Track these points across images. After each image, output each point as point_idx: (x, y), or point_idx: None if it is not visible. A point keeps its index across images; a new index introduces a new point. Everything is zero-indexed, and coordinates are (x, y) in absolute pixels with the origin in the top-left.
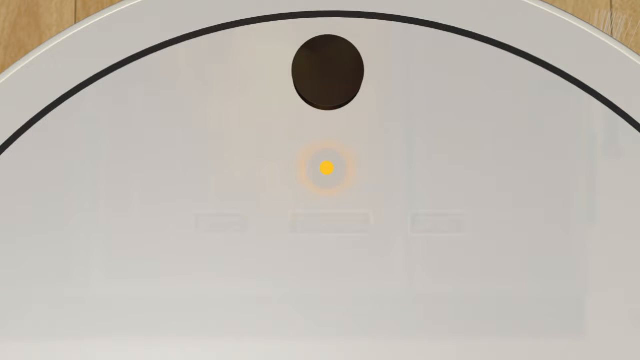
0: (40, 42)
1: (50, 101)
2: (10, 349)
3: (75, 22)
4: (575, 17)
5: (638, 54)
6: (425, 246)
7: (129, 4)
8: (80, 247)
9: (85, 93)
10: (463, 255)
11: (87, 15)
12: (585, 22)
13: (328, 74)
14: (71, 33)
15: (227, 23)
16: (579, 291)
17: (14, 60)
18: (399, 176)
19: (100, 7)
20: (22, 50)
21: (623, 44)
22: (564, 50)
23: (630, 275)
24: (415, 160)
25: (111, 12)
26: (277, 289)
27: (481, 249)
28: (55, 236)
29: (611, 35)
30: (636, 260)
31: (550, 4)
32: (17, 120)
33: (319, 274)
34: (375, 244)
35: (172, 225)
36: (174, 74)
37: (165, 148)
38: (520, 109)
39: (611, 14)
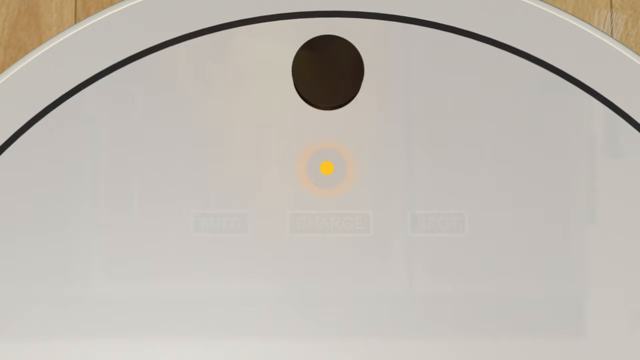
0: (40, 42)
1: (50, 101)
2: (10, 349)
3: (75, 22)
4: (575, 17)
5: (638, 54)
6: (425, 246)
7: (129, 4)
8: (80, 247)
9: (85, 93)
10: (463, 255)
11: (87, 15)
12: (585, 22)
13: (328, 74)
14: (71, 33)
15: (227, 23)
16: (579, 291)
17: (14, 60)
18: (399, 176)
19: (100, 7)
20: (22, 50)
21: (623, 44)
22: (564, 50)
23: (630, 275)
24: (415, 160)
25: (111, 12)
26: (277, 289)
27: (481, 249)
28: (55, 236)
29: (611, 35)
30: (636, 260)
31: (550, 4)
32: (17, 120)
33: (319, 274)
34: (375, 244)
35: (172, 225)
36: (174, 74)
37: (165, 148)
38: (520, 109)
39: (611, 14)
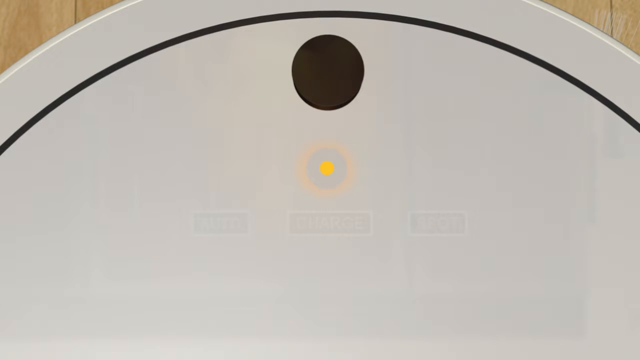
0: (40, 42)
1: (50, 101)
2: (10, 349)
3: (75, 22)
4: (575, 17)
5: (638, 54)
6: (425, 246)
7: (129, 4)
8: (80, 247)
9: (85, 93)
10: (463, 255)
11: (87, 15)
12: (585, 22)
13: (328, 74)
14: (71, 33)
15: (227, 23)
16: (579, 291)
17: (14, 60)
18: (399, 176)
19: (100, 7)
20: (22, 50)
21: (623, 44)
22: (564, 50)
23: (630, 275)
24: (415, 160)
25: (111, 12)
26: (277, 289)
27: (481, 249)
28: (55, 236)
29: (611, 35)
30: (636, 260)
31: (550, 4)
32: (17, 120)
33: (319, 274)
34: (375, 244)
35: (172, 225)
36: (174, 74)
37: (165, 148)
38: (520, 109)
39: (611, 14)
